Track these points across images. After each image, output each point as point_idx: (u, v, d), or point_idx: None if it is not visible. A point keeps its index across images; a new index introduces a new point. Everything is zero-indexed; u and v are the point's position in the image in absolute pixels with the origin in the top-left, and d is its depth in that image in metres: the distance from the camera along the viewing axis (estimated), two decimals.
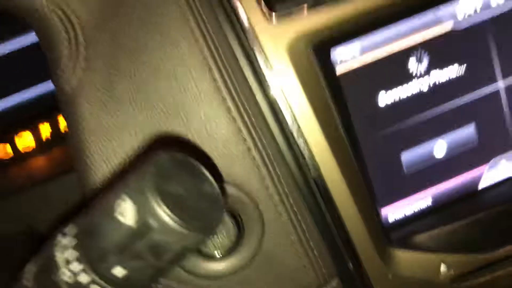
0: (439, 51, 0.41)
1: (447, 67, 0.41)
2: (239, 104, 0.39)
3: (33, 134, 0.64)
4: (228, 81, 0.39)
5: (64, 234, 0.28)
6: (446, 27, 0.40)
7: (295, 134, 0.39)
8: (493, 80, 0.42)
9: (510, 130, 0.43)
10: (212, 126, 0.39)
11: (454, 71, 0.41)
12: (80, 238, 0.28)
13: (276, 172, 0.40)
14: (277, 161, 0.40)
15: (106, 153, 0.39)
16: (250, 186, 0.39)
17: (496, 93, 0.42)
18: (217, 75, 0.38)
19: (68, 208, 0.50)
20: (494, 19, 0.41)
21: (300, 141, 0.40)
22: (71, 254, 0.27)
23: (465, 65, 0.41)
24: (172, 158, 0.27)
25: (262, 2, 0.37)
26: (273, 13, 0.37)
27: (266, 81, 0.39)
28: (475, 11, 0.40)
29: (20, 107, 0.62)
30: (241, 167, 0.39)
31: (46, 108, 0.62)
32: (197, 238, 0.26)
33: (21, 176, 0.56)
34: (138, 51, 0.39)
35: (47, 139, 0.64)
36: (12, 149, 0.63)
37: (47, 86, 0.64)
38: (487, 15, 0.41)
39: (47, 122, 0.64)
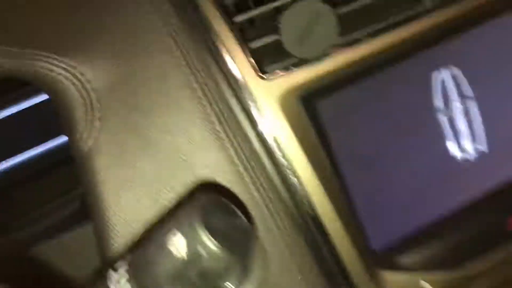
0: None
1: None
2: (239, 150, 0.44)
3: None
4: (229, 132, 0.44)
5: (116, 270, 0.32)
6: None
7: (289, 174, 0.45)
8: None
9: None
10: (215, 172, 0.44)
11: None
12: (132, 272, 0.31)
13: (276, 210, 0.45)
14: (275, 200, 0.45)
15: (122, 204, 0.43)
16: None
17: None
18: (219, 128, 0.44)
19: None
20: None
21: (294, 180, 0.45)
22: (124, 286, 0.31)
23: None
24: (212, 200, 0.33)
25: (254, 65, 0.44)
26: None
27: (261, 130, 0.45)
28: None
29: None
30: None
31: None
32: (238, 262, 0.31)
33: None
34: (148, 111, 0.44)
35: None
36: None
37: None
38: None
39: None
